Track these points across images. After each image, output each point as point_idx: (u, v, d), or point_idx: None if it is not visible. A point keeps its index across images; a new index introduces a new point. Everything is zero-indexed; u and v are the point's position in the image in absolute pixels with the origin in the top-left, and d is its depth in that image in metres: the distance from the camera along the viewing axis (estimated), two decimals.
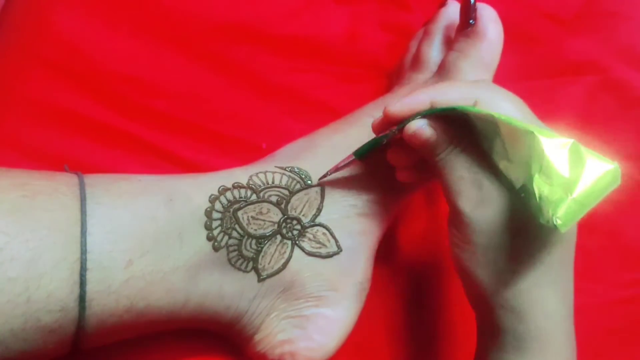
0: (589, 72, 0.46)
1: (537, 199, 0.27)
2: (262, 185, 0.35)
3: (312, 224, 0.35)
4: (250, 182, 0.35)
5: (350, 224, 0.36)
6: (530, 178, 0.27)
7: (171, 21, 0.45)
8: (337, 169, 0.35)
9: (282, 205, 0.35)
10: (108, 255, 0.29)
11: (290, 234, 0.35)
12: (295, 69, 0.46)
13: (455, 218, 0.30)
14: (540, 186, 0.27)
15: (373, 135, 0.34)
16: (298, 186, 0.35)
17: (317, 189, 0.36)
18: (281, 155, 0.38)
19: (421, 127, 0.30)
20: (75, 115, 0.42)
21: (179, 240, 0.32)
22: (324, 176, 0.36)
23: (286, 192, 0.35)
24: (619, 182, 0.28)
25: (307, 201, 0.35)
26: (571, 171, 0.27)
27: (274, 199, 0.35)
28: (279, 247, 0.35)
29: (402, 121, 0.31)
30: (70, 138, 0.41)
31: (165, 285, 0.31)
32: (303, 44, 0.46)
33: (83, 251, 0.29)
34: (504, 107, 0.29)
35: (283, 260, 0.35)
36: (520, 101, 0.30)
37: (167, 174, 0.41)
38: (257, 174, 0.35)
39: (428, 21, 0.42)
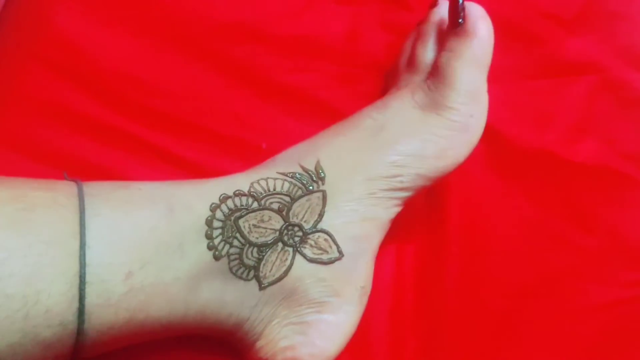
0: (589, 72, 0.46)
1: None
2: (263, 192, 0.35)
3: (313, 230, 0.35)
4: (252, 190, 0.34)
5: (352, 229, 0.36)
6: None
7: (171, 21, 0.45)
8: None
9: (284, 212, 0.35)
10: (107, 268, 0.29)
11: (291, 240, 0.35)
12: (295, 69, 0.46)
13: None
14: None
15: (375, 137, 0.35)
16: (300, 192, 0.35)
17: (319, 194, 0.35)
18: (282, 160, 0.38)
19: None
20: (75, 115, 0.42)
21: (180, 250, 0.32)
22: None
23: (288, 198, 0.35)
24: None
25: (308, 207, 0.35)
26: None
27: (275, 206, 0.35)
28: (280, 255, 0.34)
29: None
30: (70, 138, 0.41)
31: (166, 296, 0.31)
32: (303, 44, 0.46)
33: (82, 265, 0.28)
34: None
35: (284, 268, 0.34)
36: None
37: (167, 173, 0.41)
38: (258, 181, 0.35)
39: (420, 22, 0.42)
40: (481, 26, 0.36)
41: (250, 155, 0.42)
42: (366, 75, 0.46)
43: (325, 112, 0.44)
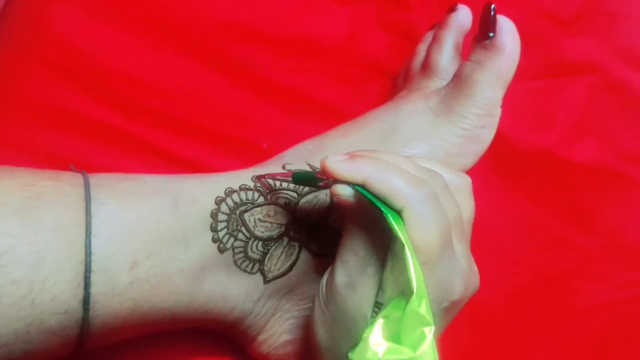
0: (589, 72, 0.46)
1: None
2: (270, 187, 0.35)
3: (320, 225, 0.35)
4: (258, 185, 0.35)
5: None
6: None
7: (171, 21, 0.45)
8: (273, 176, 0.34)
9: (290, 208, 0.35)
10: (113, 258, 0.29)
11: (297, 235, 0.35)
12: (295, 69, 0.46)
13: (327, 291, 0.30)
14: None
15: (384, 139, 0.35)
16: (307, 189, 0.35)
17: (327, 191, 0.35)
18: (289, 157, 0.38)
19: (347, 197, 0.28)
20: (75, 115, 0.42)
21: (184, 242, 0.32)
22: (261, 177, 0.34)
23: (294, 194, 0.35)
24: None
25: (316, 203, 0.35)
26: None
27: (281, 201, 0.34)
28: (286, 249, 0.34)
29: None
30: (71, 138, 0.41)
31: (170, 287, 0.31)
32: (303, 44, 0.46)
33: (87, 253, 0.29)
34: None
35: (290, 262, 0.34)
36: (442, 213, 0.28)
37: (168, 173, 0.41)
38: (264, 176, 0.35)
39: (437, 25, 0.41)
40: (510, 43, 0.36)
41: (250, 155, 0.42)
42: (366, 75, 0.46)
43: (325, 112, 0.44)
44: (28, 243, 0.27)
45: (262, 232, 0.34)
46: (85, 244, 0.29)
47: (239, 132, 0.43)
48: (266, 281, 0.34)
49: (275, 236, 0.34)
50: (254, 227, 0.34)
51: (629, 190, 0.44)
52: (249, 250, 0.34)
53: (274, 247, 0.34)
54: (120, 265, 0.29)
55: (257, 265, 0.34)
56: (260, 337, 0.35)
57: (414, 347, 0.24)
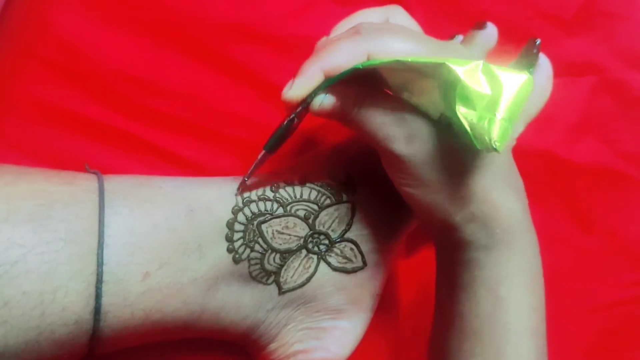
0: (589, 72, 0.46)
1: (469, 129, 0.27)
2: (289, 199, 0.34)
3: (340, 239, 0.35)
4: (278, 195, 0.34)
5: (377, 239, 0.35)
6: (450, 108, 0.27)
7: (172, 21, 0.45)
8: (253, 170, 0.33)
9: (310, 220, 0.34)
10: (125, 268, 0.29)
11: (316, 248, 0.34)
12: (296, 69, 0.45)
13: (394, 161, 0.30)
14: (466, 115, 0.27)
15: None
16: (328, 201, 0.34)
17: (349, 204, 0.35)
18: (311, 166, 0.36)
19: (324, 101, 0.30)
20: (75, 115, 0.42)
21: (198, 252, 0.31)
22: (243, 183, 0.34)
23: (315, 206, 0.34)
24: (532, 88, 0.28)
25: (337, 217, 0.35)
26: (491, 90, 0.27)
27: (301, 213, 0.34)
28: (304, 262, 0.34)
29: (303, 101, 0.30)
30: (71, 138, 0.41)
31: (182, 297, 0.31)
32: (303, 44, 0.46)
33: (99, 264, 0.28)
34: (398, 47, 0.29)
35: (307, 275, 0.34)
36: (407, 31, 0.30)
37: (167, 173, 0.41)
38: (285, 187, 0.34)
39: (464, 39, 0.40)
40: (545, 84, 0.35)
41: (250, 155, 0.42)
42: None
43: None
44: (39, 253, 0.27)
45: (280, 244, 0.33)
46: (98, 254, 0.28)
47: (239, 132, 0.43)
48: (281, 292, 0.34)
49: (293, 249, 0.34)
50: (271, 238, 0.33)
51: (629, 190, 0.44)
52: (265, 262, 0.33)
53: (291, 259, 0.34)
54: (133, 276, 0.29)
55: (272, 277, 0.33)
56: (271, 346, 0.35)
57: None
